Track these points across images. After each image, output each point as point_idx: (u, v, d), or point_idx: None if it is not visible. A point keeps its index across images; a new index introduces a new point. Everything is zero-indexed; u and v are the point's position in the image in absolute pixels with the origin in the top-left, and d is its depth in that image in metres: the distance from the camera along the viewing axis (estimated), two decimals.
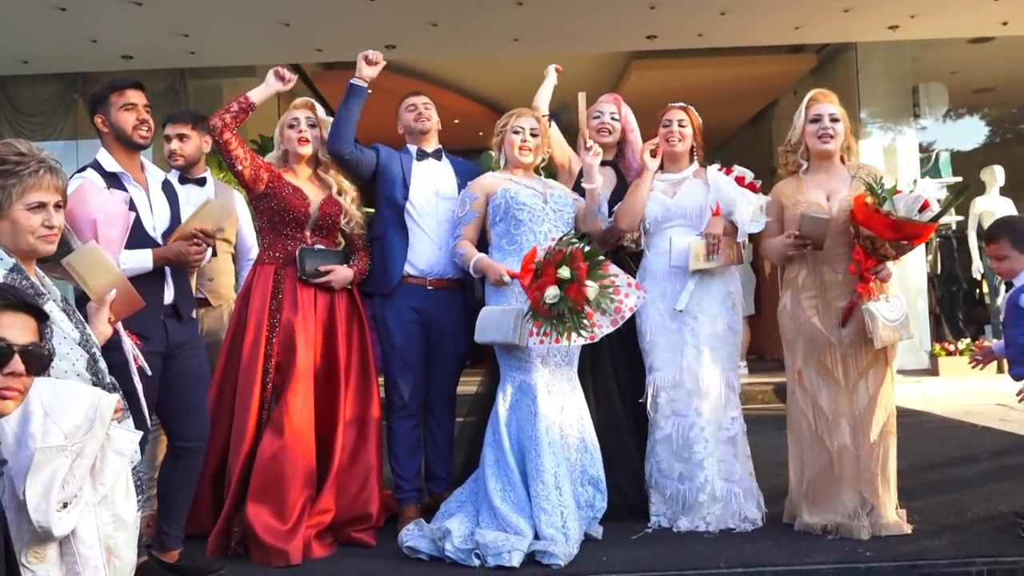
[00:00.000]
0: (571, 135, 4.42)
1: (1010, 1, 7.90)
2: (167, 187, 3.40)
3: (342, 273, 3.76)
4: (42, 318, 2.07)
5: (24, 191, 2.37)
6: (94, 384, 2.43)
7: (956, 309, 9.86)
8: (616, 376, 4.01)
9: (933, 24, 8.42)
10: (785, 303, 3.75)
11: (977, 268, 9.17)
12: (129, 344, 2.74)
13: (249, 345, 3.62)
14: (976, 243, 9.03)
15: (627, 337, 3.93)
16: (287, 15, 7.72)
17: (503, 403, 3.64)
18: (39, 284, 2.47)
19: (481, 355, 4.20)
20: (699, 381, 3.79)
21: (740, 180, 3.77)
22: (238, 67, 8.92)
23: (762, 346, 9.95)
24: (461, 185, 3.97)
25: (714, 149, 13.03)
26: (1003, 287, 8.43)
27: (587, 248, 3.46)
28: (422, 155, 4.06)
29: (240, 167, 3.66)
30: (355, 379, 3.76)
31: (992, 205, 9.09)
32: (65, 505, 2.15)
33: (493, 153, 4.10)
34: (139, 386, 2.70)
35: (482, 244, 3.88)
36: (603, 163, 4.13)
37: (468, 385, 4.22)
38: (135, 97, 3.22)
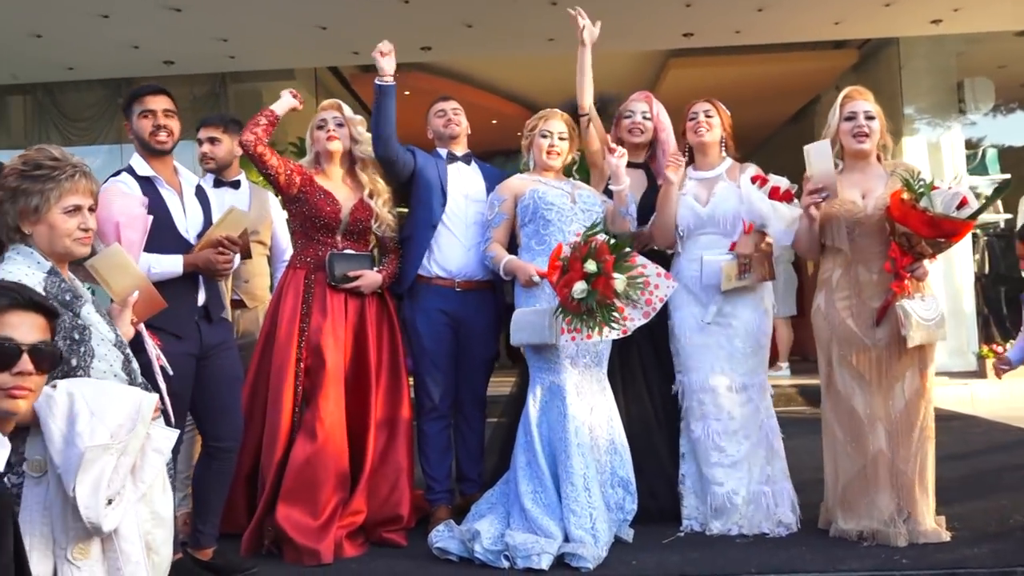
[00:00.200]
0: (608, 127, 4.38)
1: None
2: (200, 192, 3.44)
3: (371, 278, 3.78)
4: (52, 316, 2.08)
5: (61, 195, 2.43)
6: (128, 384, 2.48)
7: (1004, 310, 9.63)
8: (646, 378, 3.98)
9: (978, 17, 8.23)
10: (819, 303, 3.69)
11: None
12: (151, 344, 2.77)
13: (280, 348, 3.66)
14: None
15: (658, 339, 3.91)
16: (323, 19, 7.79)
17: (533, 405, 3.63)
18: (77, 287, 2.52)
19: (516, 356, 4.19)
20: (731, 384, 3.75)
21: (775, 191, 3.68)
22: (277, 71, 9.03)
23: (805, 347, 9.81)
24: (489, 189, 3.98)
25: (755, 147, 12.90)
26: None
27: (613, 241, 3.43)
28: (452, 159, 4.08)
29: (275, 175, 3.71)
30: (385, 381, 3.78)
31: None
32: (110, 502, 2.20)
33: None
34: (162, 386, 2.74)
35: (512, 246, 3.88)
36: (634, 164, 4.13)
37: (502, 386, 4.23)
38: (153, 103, 3.26)
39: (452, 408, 4.01)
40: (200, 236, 3.31)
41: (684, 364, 3.84)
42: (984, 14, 8.17)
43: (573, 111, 4.14)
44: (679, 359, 3.86)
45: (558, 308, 3.43)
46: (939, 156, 9.40)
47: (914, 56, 9.38)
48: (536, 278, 3.61)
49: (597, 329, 3.37)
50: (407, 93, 9.40)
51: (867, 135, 3.61)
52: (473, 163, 4.14)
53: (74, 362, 2.37)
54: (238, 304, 4.16)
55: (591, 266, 3.33)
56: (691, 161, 4.03)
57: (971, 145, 10.20)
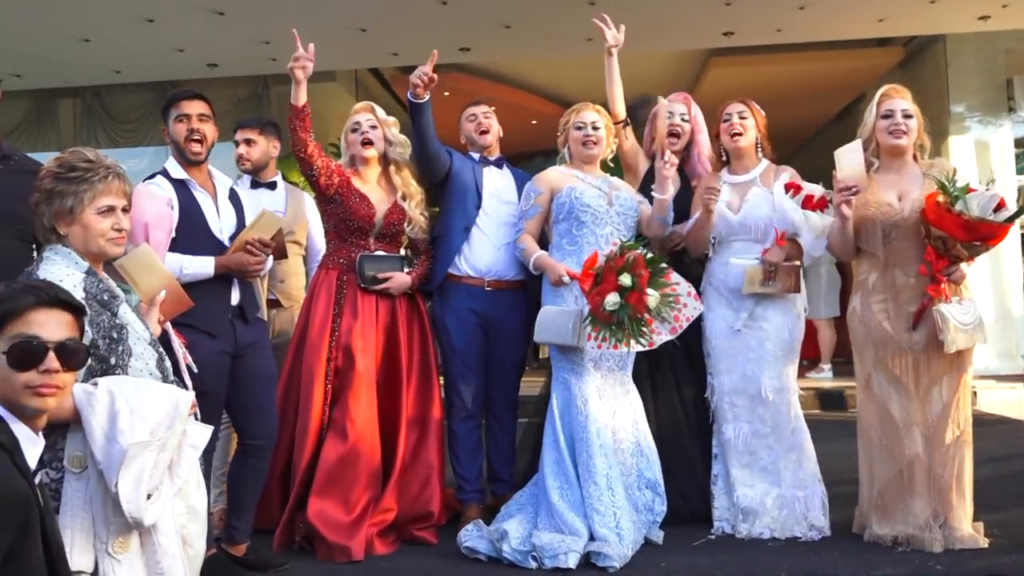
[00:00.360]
0: (640, 131, 4.36)
1: None
2: (233, 195, 3.50)
3: (400, 280, 3.82)
4: (79, 313, 2.07)
5: (95, 196, 2.47)
6: (162, 381, 2.54)
7: None
8: (677, 381, 3.96)
9: None
10: (854, 306, 3.64)
11: None
12: (178, 343, 2.82)
13: (312, 348, 3.71)
14: None
15: (688, 341, 3.88)
16: (363, 21, 7.86)
17: (556, 404, 3.65)
18: (113, 287, 2.58)
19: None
20: (761, 388, 3.72)
21: (809, 199, 3.63)
22: (318, 72, 9.02)
23: (848, 348, 9.68)
24: (520, 191, 3.99)
25: (799, 147, 12.75)
26: None
27: (649, 255, 3.41)
28: (485, 162, 4.11)
29: (317, 176, 3.75)
30: (416, 381, 3.81)
31: None
32: (149, 496, 2.25)
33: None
34: (188, 383, 2.79)
35: (542, 238, 3.88)
36: None
37: (535, 387, 4.23)
38: (188, 108, 3.32)
39: (482, 408, 4.03)
40: (233, 238, 3.36)
41: (715, 366, 3.82)
42: None
43: (637, 108, 4.14)
44: (710, 360, 3.85)
45: (588, 316, 3.43)
46: (987, 155, 9.20)
47: (961, 54, 9.19)
48: (566, 279, 3.61)
49: (624, 341, 3.38)
50: (446, 94, 9.49)
51: (904, 133, 3.55)
52: (505, 167, 4.16)
53: (113, 361, 2.43)
54: (274, 304, 4.22)
55: (626, 280, 3.33)
56: (726, 163, 3.99)
57: (1021, 144, 9.97)
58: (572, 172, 3.85)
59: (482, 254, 3.94)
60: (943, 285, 3.40)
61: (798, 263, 3.74)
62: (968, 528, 3.42)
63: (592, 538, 3.37)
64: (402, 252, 4.01)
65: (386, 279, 3.78)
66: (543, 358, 4.09)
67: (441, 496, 3.81)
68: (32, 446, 1.94)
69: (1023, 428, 6.55)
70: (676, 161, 3.75)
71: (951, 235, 3.33)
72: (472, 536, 3.48)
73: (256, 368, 3.39)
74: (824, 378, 8.69)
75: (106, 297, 2.48)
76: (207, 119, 3.37)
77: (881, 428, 3.52)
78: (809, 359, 9.12)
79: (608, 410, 3.62)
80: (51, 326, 1.99)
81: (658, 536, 3.61)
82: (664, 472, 3.73)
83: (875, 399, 3.55)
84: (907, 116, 3.57)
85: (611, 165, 4.12)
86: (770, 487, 3.66)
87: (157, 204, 3.11)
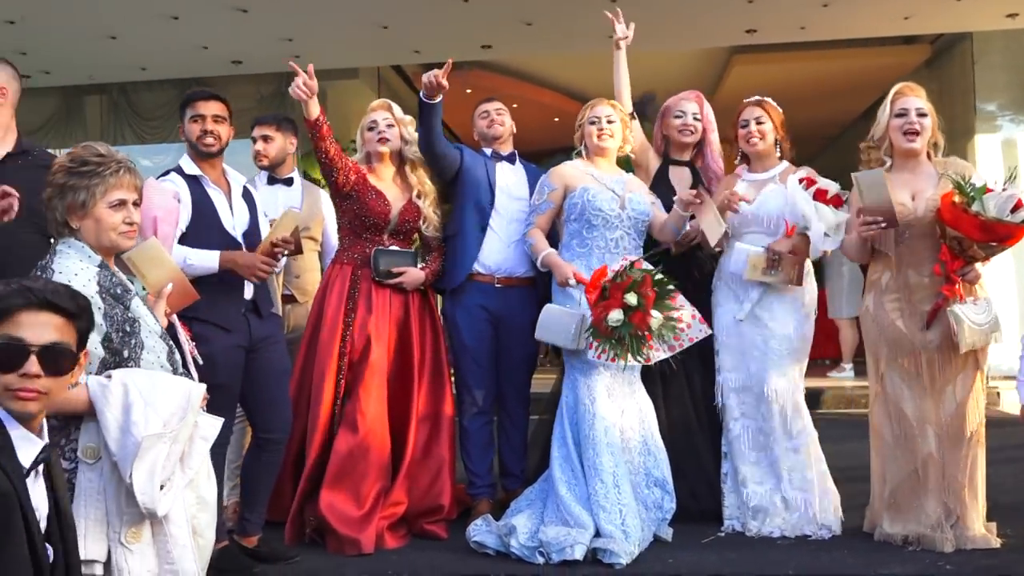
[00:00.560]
0: (649, 129, 4.37)
1: None
2: (246, 194, 3.54)
3: (414, 275, 3.84)
4: (72, 317, 2.00)
5: (106, 190, 2.51)
6: (172, 374, 2.58)
7: None
8: (688, 379, 3.95)
9: None
10: (868, 305, 3.62)
11: None
12: (184, 336, 2.86)
13: (324, 342, 3.74)
14: None
15: (702, 340, 3.88)
16: (385, 18, 7.89)
17: (566, 401, 3.67)
18: (124, 280, 2.62)
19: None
20: (765, 387, 3.71)
21: (821, 193, 3.62)
22: (341, 69, 9.18)
23: None
24: (532, 187, 4.00)
25: (824, 145, 12.65)
26: None
27: (658, 276, 3.42)
28: (497, 158, 4.11)
29: (336, 174, 3.78)
30: (428, 376, 3.84)
31: None
32: (162, 487, 2.29)
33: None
34: (195, 375, 2.82)
35: (551, 237, 3.90)
36: (680, 163, 4.11)
37: (547, 383, 4.25)
38: (203, 108, 3.36)
39: (493, 404, 4.05)
40: (246, 235, 3.41)
41: (722, 363, 3.82)
42: None
43: (641, 105, 4.14)
44: (719, 358, 3.84)
45: (590, 326, 3.45)
46: (1014, 154, 9.07)
47: (989, 51, 9.06)
48: (572, 282, 3.62)
49: (622, 355, 3.39)
50: (468, 91, 9.53)
51: (918, 133, 3.52)
52: (518, 162, 4.16)
53: (126, 353, 2.47)
54: (289, 299, 4.26)
55: (631, 299, 3.35)
56: (746, 161, 3.98)
57: None
58: (587, 170, 3.85)
59: (493, 251, 3.95)
60: (957, 285, 3.37)
61: (803, 256, 3.71)
62: (980, 528, 3.40)
63: (598, 534, 3.38)
64: (414, 249, 4.03)
65: (400, 273, 3.81)
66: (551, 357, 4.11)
67: (452, 490, 3.84)
68: (28, 445, 1.92)
69: None
70: (706, 198, 3.66)
71: (967, 236, 3.30)
72: (481, 531, 3.50)
73: (270, 362, 3.43)
74: (846, 377, 8.63)
75: (119, 291, 2.52)
76: (222, 120, 3.41)
77: (894, 427, 3.50)
78: (831, 358, 9.07)
79: (616, 409, 3.63)
80: (37, 329, 1.93)
81: (667, 533, 3.61)
82: (674, 470, 3.73)
83: (888, 398, 3.53)
84: (921, 115, 3.53)
85: (631, 156, 4.11)
86: (776, 483, 3.66)
87: (165, 198, 3.16)
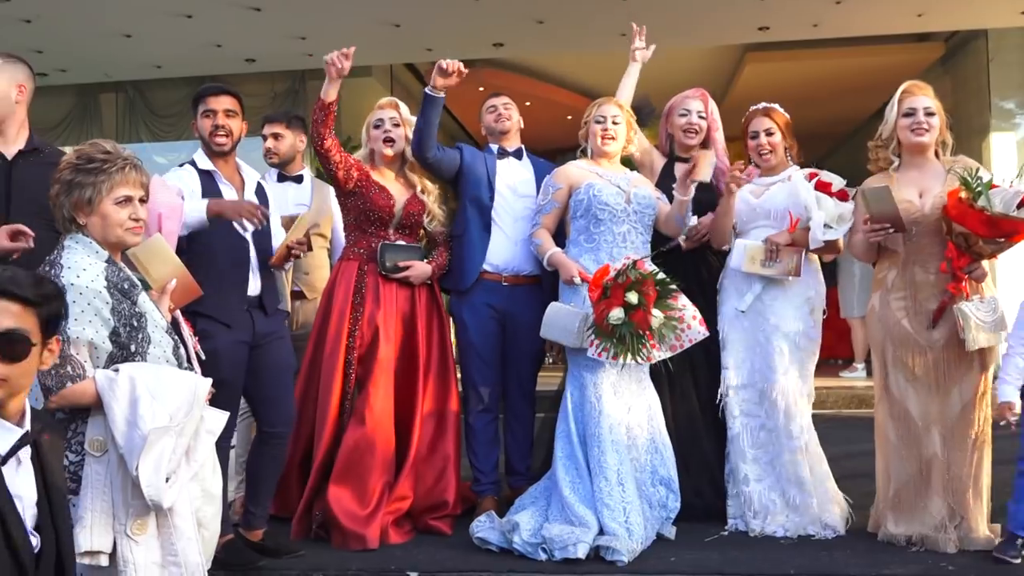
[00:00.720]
0: (651, 129, 4.37)
1: None
2: (259, 191, 3.57)
3: (420, 269, 3.86)
4: (32, 304, 1.98)
5: (112, 187, 2.54)
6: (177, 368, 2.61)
7: None
8: (694, 377, 3.96)
9: None
10: (874, 304, 3.61)
11: None
12: (188, 332, 2.89)
13: (332, 337, 3.77)
14: None
15: (708, 338, 3.87)
16: (397, 17, 7.92)
17: (570, 399, 3.67)
18: (131, 276, 2.65)
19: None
20: (768, 385, 3.71)
21: (825, 185, 3.62)
22: (353, 67, 9.18)
23: None
24: (540, 183, 4.00)
25: (838, 143, 12.58)
26: None
27: (660, 276, 3.43)
28: (503, 154, 4.12)
29: (335, 170, 3.79)
30: (434, 373, 3.86)
31: None
32: (168, 479, 2.33)
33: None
34: (197, 370, 2.85)
35: (559, 233, 3.91)
36: (686, 160, 4.10)
37: (553, 381, 4.25)
38: (214, 104, 3.40)
39: (499, 402, 4.07)
40: (256, 232, 3.43)
41: (725, 360, 3.82)
42: None
43: (637, 110, 4.14)
44: (724, 354, 3.84)
45: (591, 324, 3.46)
46: None
47: (1005, 49, 8.98)
48: (577, 280, 3.63)
49: (623, 353, 3.40)
50: (481, 89, 9.53)
51: (926, 131, 3.51)
52: (525, 158, 4.17)
53: (133, 348, 2.50)
54: (298, 295, 4.30)
55: (632, 297, 3.36)
56: (756, 165, 3.98)
57: None
58: (592, 168, 3.86)
59: (499, 249, 3.97)
60: (964, 283, 3.36)
61: (802, 248, 3.70)
62: (985, 529, 3.39)
63: (601, 532, 3.39)
64: (421, 245, 4.05)
65: (406, 267, 3.83)
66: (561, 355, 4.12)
67: (456, 487, 3.85)
68: (3, 433, 1.94)
69: None
70: (699, 172, 3.72)
71: (973, 231, 3.29)
72: (484, 527, 3.52)
73: (273, 358, 3.46)
74: (858, 377, 8.58)
75: (126, 286, 2.55)
76: (234, 115, 3.44)
77: (899, 427, 3.50)
78: (843, 358, 9.03)
79: (622, 406, 3.63)
80: None
81: (670, 532, 3.62)
82: (680, 468, 3.74)
83: (893, 398, 3.52)
84: (929, 114, 3.52)
85: (636, 152, 4.12)
86: (778, 484, 3.66)
87: (170, 195, 3.19)
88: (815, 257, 3.85)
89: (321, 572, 3.35)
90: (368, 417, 3.67)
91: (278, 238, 3.55)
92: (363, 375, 3.75)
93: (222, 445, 3.08)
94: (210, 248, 3.33)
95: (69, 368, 2.37)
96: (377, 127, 3.95)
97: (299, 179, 4.42)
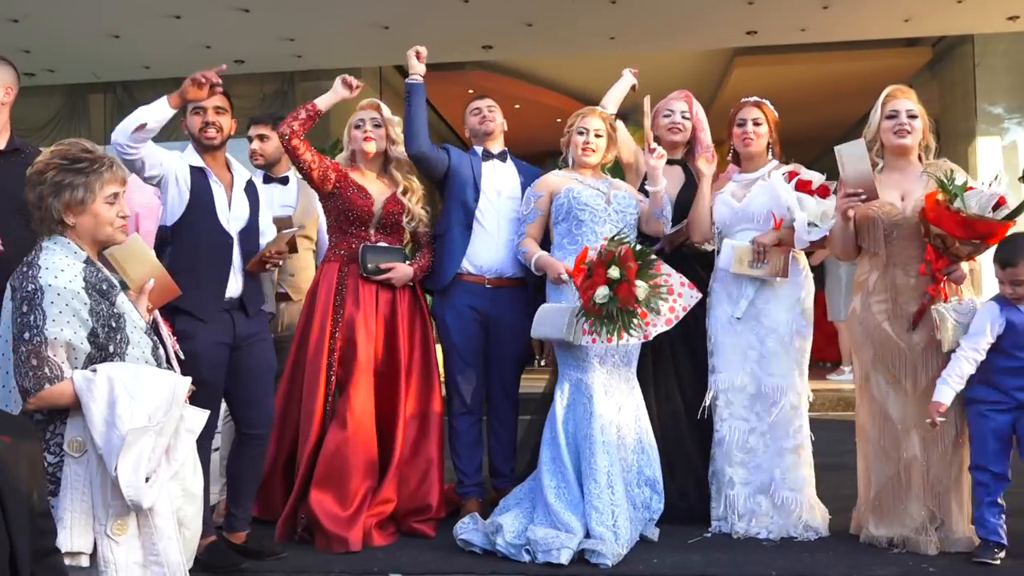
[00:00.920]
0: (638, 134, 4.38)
1: None
2: (250, 189, 3.56)
3: (402, 271, 3.85)
4: None
5: (102, 185, 2.55)
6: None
7: None
8: (679, 379, 3.96)
9: None
10: (855, 307, 3.62)
11: None
12: (166, 331, 2.88)
13: (314, 340, 3.76)
14: None
15: (692, 339, 3.89)
16: (386, 19, 7.94)
17: (560, 401, 3.66)
18: (110, 276, 2.65)
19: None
20: (762, 387, 3.71)
21: (803, 183, 3.63)
22: (342, 69, 9.11)
23: None
24: (525, 186, 4.01)
25: (827, 147, 12.58)
26: None
27: (638, 247, 3.43)
28: (487, 156, 4.12)
29: (309, 170, 3.77)
30: (417, 374, 3.85)
31: None
32: (147, 479, 2.32)
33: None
34: (177, 371, 2.85)
35: (546, 242, 3.91)
36: (672, 162, 4.11)
37: (538, 384, 4.26)
38: (205, 101, 3.39)
39: (482, 404, 4.06)
40: (244, 232, 3.43)
41: (715, 363, 3.82)
42: None
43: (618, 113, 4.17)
44: (712, 358, 3.84)
45: (580, 309, 3.46)
46: (1015, 158, 9.07)
47: (991, 54, 9.06)
48: (565, 276, 3.64)
49: (617, 333, 3.39)
50: (470, 91, 9.52)
51: (908, 132, 3.53)
52: (509, 160, 4.17)
53: (111, 349, 2.50)
54: (284, 297, 4.28)
55: (614, 272, 3.35)
56: (736, 162, 4.00)
57: None
58: (571, 175, 3.88)
59: (483, 251, 3.97)
60: (943, 285, 3.38)
61: (789, 247, 3.71)
62: (965, 531, 3.40)
63: (588, 535, 3.39)
64: (404, 246, 4.04)
65: (388, 269, 3.82)
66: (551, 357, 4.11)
67: (440, 490, 3.84)
68: None
69: None
70: (664, 154, 3.78)
71: (949, 233, 3.31)
72: (468, 529, 3.52)
73: (255, 359, 3.44)
74: (845, 380, 8.60)
75: (105, 287, 2.55)
76: (223, 111, 3.44)
77: (879, 429, 3.51)
78: (831, 361, 9.05)
79: (613, 406, 3.64)
80: None
81: (654, 533, 3.62)
82: (664, 470, 3.74)
83: (874, 400, 3.54)
84: (912, 116, 3.54)
85: (618, 160, 4.14)
86: (765, 486, 3.66)
87: (146, 195, 3.19)
88: (804, 258, 3.86)
89: (304, 574, 3.34)
90: (349, 420, 3.66)
91: (266, 237, 3.55)
92: (343, 378, 3.74)
93: (203, 445, 3.08)
94: (194, 246, 3.33)
95: (47, 369, 2.37)
96: (358, 127, 3.95)
97: (284, 180, 4.41)
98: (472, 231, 3.98)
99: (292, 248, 4.08)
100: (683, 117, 4.15)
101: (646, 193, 3.89)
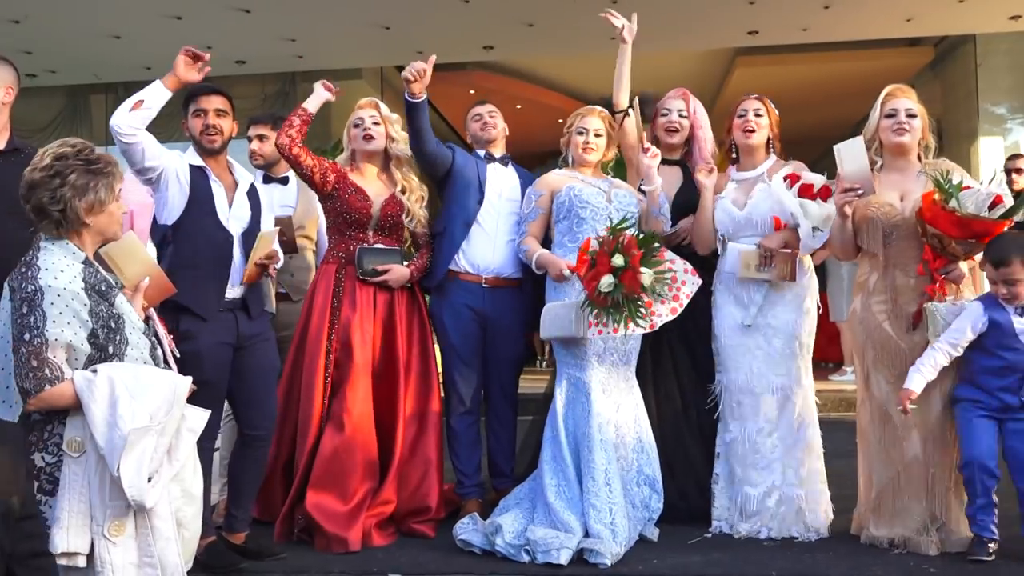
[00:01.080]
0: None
1: None
2: (252, 193, 3.56)
3: (399, 272, 3.84)
4: None
5: (115, 184, 2.55)
6: None
7: None
8: (679, 379, 3.96)
9: None
10: (855, 307, 3.62)
11: None
12: (163, 331, 2.88)
13: (312, 340, 3.76)
14: None
15: (691, 340, 3.89)
16: (387, 19, 7.94)
17: (560, 400, 3.66)
18: (108, 277, 2.64)
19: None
20: (769, 385, 3.70)
21: (806, 188, 3.61)
22: (344, 70, 9.22)
23: None
24: (524, 188, 4.01)
25: (828, 148, 12.59)
26: None
27: (641, 235, 3.42)
28: (490, 159, 4.13)
29: (310, 174, 3.79)
30: (415, 375, 3.85)
31: None
32: (150, 479, 2.32)
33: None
34: (174, 368, 2.85)
35: (546, 242, 3.90)
36: (670, 162, 4.11)
37: (538, 384, 4.26)
38: (205, 103, 3.40)
39: (480, 404, 4.05)
40: (245, 233, 3.43)
41: (723, 364, 3.80)
42: None
43: (610, 107, 4.15)
44: (719, 358, 3.83)
45: (585, 301, 3.44)
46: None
47: (994, 53, 9.05)
48: (567, 272, 3.63)
49: (623, 323, 3.37)
50: (472, 92, 9.55)
51: (907, 130, 3.52)
52: (510, 165, 4.18)
53: (111, 350, 2.49)
54: (284, 298, 4.27)
55: (618, 260, 3.33)
56: (735, 160, 3.98)
57: None
58: (572, 174, 3.88)
59: (481, 251, 3.96)
60: (939, 284, 3.37)
61: (795, 252, 3.71)
62: (966, 531, 3.38)
63: (587, 534, 3.39)
64: (404, 246, 4.04)
65: (385, 271, 3.82)
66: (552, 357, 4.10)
67: (439, 490, 3.84)
68: None
69: None
70: (658, 153, 3.78)
71: (945, 232, 3.31)
72: (467, 529, 3.52)
73: (258, 360, 3.44)
74: (847, 380, 8.58)
75: (104, 287, 2.54)
76: (224, 114, 3.44)
77: (880, 429, 3.50)
78: (833, 361, 9.04)
79: (611, 404, 3.63)
80: None
81: (653, 533, 3.62)
82: (664, 470, 3.74)
83: (874, 400, 3.53)
84: (911, 115, 3.54)
85: (619, 155, 4.13)
86: (772, 484, 3.65)
87: (140, 193, 3.18)
88: (808, 258, 3.85)
89: (303, 574, 3.34)
90: (347, 421, 3.65)
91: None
92: (340, 379, 3.73)
93: (205, 446, 3.07)
94: (194, 244, 3.32)
95: (47, 371, 2.36)
96: (357, 126, 3.95)
97: (284, 180, 4.41)
98: (471, 231, 3.97)
99: (292, 248, 4.08)
100: (680, 116, 4.13)
101: (644, 193, 3.89)
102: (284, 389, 3.80)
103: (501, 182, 4.07)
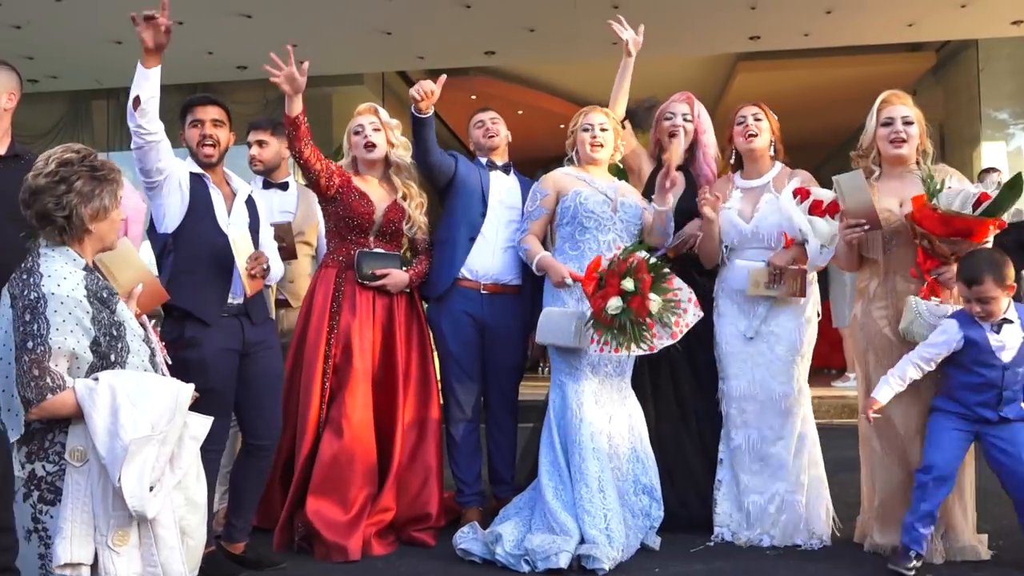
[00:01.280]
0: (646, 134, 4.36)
1: None
2: (250, 201, 3.55)
3: (397, 277, 3.83)
4: None
5: (118, 191, 2.55)
6: None
7: None
8: (677, 388, 3.94)
9: None
10: (856, 314, 3.61)
11: None
12: (155, 337, 2.87)
13: (311, 346, 3.75)
14: None
15: (693, 350, 3.86)
16: (388, 25, 7.94)
17: (553, 407, 3.66)
18: (108, 284, 2.63)
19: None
20: (771, 395, 3.69)
21: (816, 205, 3.59)
22: (346, 75, 9.23)
23: None
24: (525, 196, 3.99)
25: (830, 153, 12.60)
26: None
27: (652, 260, 3.41)
28: (492, 167, 4.12)
29: (317, 178, 3.78)
30: (414, 381, 3.83)
31: None
32: (151, 488, 2.30)
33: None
34: (166, 375, 2.83)
35: (544, 244, 3.90)
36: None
37: (540, 391, 4.24)
38: (201, 114, 3.39)
39: (480, 412, 4.04)
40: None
41: (725, 371, 3.79)
42: None
43: (646, 110, 4.14)
44: (721, 365, 3.82)
45: (590, 319, 3.44)
46: (1020, 163, 9.03)
47: (996, 58, 9.05)
48: (569, 281, 3.62)
49: (626, 344, 3.37)
50: (473, 97, 9.55)
51: (904, 140, 3.50)
52: (513, 173, 4.17)
53: (112, 358, 2.47)
54: (283, 303, 4.27)
55: (628, 284, 3.33)
56: (739, 167, 3.97)
57: None
58: (579, 175, 3.84)
59: (480, 258, 3.94)
60: (929, 286, 3.35)
61: (804, 268, 3.69)
62: (970, 539, 3.38)
63: (583, 540, 3.37)
64: (402, 253, 4.02)
65: (384, 276, 3.81)
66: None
67: (439, 498, 3.82)
68: None
69: None
70: (678, 179, 3.72)
71: (930, 231, 3.29)
72: (467, 538, 3.50)
73: (263, 367, 3.42)
74: (850, 387, 8.56)
75: (105, 294, 2.53)
76: (221, 124, 3.43)
77: (883, 436, 3.48)
78: (836, 368, 9.02)
79: (604, 415, 3.62)
80: None
81: (655, 542, 3.60)
82: (664, 478, 3.72)
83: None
84: (908, 123, 3.51)
85: (620, 166, 4.12)
86: (775, 491, 3.64)
87: (134, 199, 3.18)
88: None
89: None
90: (345, 428, 3.64)
91: (267, 247, 3.53)
92: (338, 385, 3.72)
93: (211, 455, 3.03)
94: (195, 250, 3.31)
95: (48, 380, 2.34)
96: (357, 133, 3.94)
97: (284, 186, 4.40)
98: (474, 242, 3.96)
99: (291, 254, 4.07)
100: (684, 120, 4.10)
101: (648, 196, 3.87)
102: (284, 394, 3.77)
103: (503, 190, 4.06)
